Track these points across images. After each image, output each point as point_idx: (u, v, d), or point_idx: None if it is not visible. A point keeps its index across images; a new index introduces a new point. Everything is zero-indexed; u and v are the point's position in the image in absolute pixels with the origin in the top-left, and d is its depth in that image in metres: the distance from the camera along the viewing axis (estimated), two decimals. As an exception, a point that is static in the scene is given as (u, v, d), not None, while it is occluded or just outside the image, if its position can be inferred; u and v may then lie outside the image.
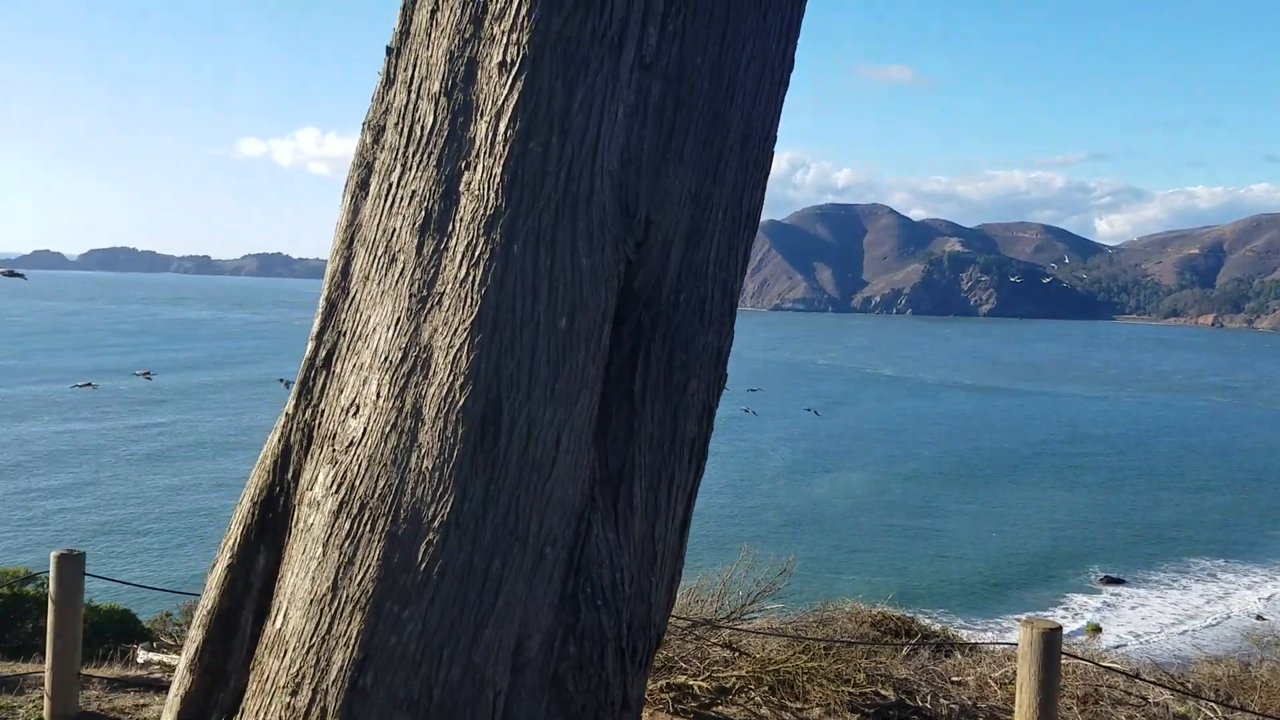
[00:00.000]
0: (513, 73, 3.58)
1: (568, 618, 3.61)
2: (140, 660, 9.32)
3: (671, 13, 3.65)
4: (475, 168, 3.66)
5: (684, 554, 4.08)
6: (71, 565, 6.98)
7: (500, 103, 3.60)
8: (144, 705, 7.65)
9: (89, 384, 56.60)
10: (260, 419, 72.00)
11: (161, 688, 8.28)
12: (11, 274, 21.25)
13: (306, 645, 3.52)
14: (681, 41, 3.68)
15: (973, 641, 13.39)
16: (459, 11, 3.70)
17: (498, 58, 3.60)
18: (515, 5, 3.58)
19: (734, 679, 6.87)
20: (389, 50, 3.93)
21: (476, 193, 3.64)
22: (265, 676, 3.61)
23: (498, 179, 3.60)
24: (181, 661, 3.86)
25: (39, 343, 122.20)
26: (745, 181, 3.95)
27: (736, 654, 7.36)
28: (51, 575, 6.98)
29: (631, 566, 3.76)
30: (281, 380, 42.46)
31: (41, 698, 7.30)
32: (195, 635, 3.85)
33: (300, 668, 3.51)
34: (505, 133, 3.59)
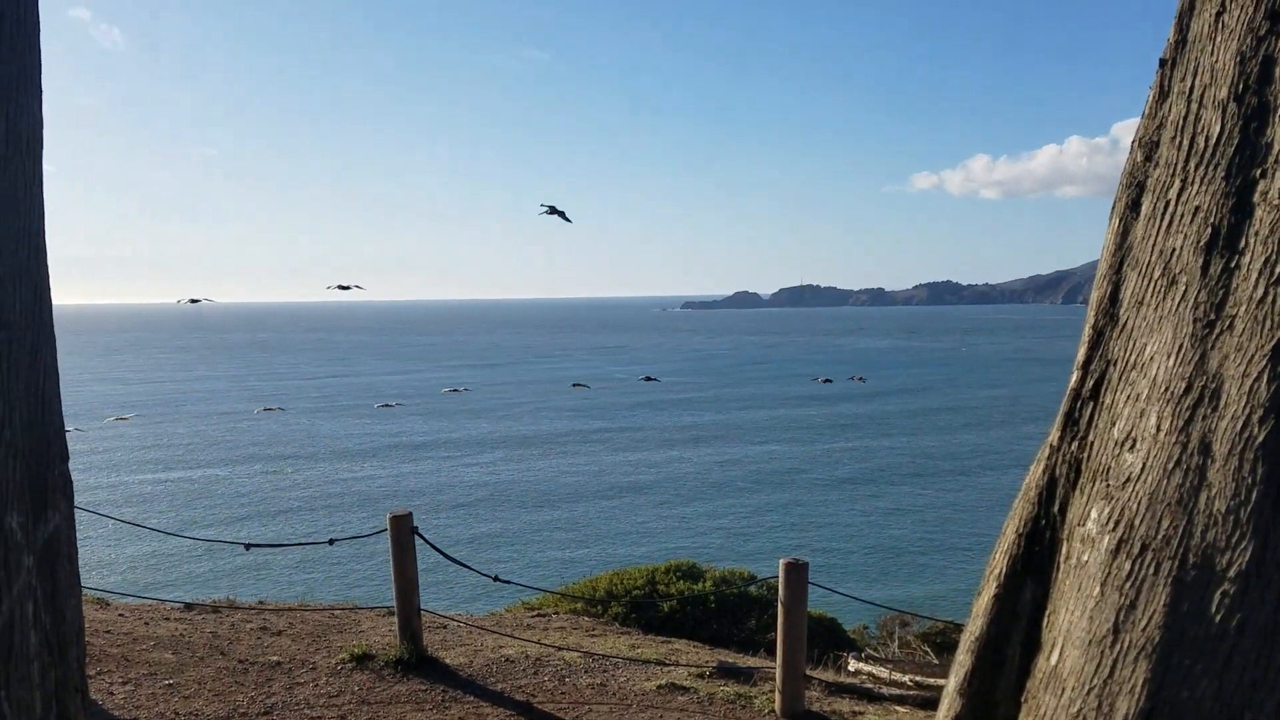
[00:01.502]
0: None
1: None
2: (850, 669, 9.99)
3: None
4: (1273, 175, 3.31)
5: None
6: (798, 573, 7.92)
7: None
8: (860, 714, 8.23)
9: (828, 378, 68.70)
10: (961, 444, 74.23)
11: (873, 698, 8.88)
12: (194, 301, 25.18)
13: (1086, 687, 3.50)
14: None
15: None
16: (1251, 9, 3.41)
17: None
18: None
19: None
20: (1162, 62, 3.78)
21: (1276, 202, 3.29)
22: (1042, 713, 3.67)
23: (1300, 186, 3.22)
24: (950, 684, 4.11)
25: (751, 372, 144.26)
26: None
27: None
28: (780, 581, 7.93)
29: None
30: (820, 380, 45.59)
31: (772, 691, 8.34)
32: (964, 660, 4.06)
33: (1081, 709, 3.50)
34: (1308, 133, 3.20)
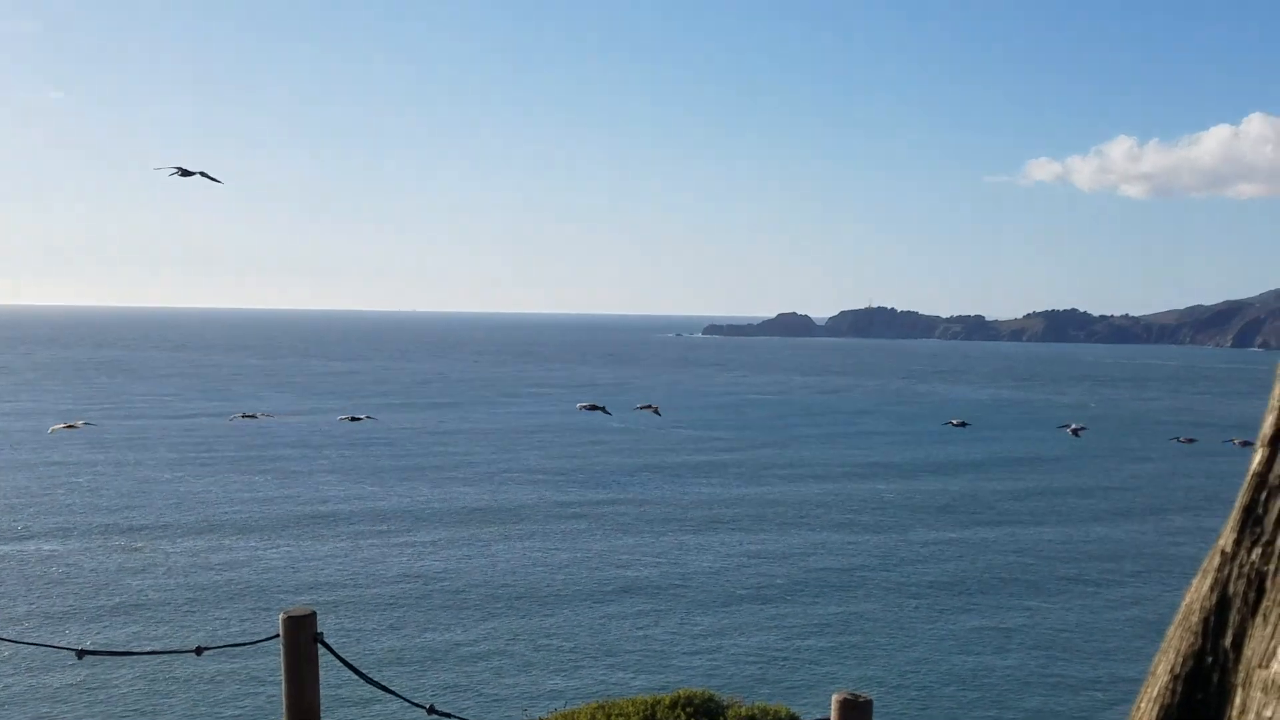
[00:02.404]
0: None
1: None
2: None
3: None
4: None
5: None
6: (858, 714, 7.99)
7: None
8: None
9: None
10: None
11: None
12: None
13: None
14: None
15: None
16: None
17: None
18: None
19: None
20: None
21: None
22: None
23: None
24: None
25: (799, 427, 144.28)
26: None
27: None
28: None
29: None
30: (1181, 440, 44.21)
31: None
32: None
33: None
34: None
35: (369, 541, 68.13)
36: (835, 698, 8.14)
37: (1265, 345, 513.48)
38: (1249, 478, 4.02)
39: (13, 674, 43.45)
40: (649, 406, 32.23)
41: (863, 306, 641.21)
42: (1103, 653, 50.66)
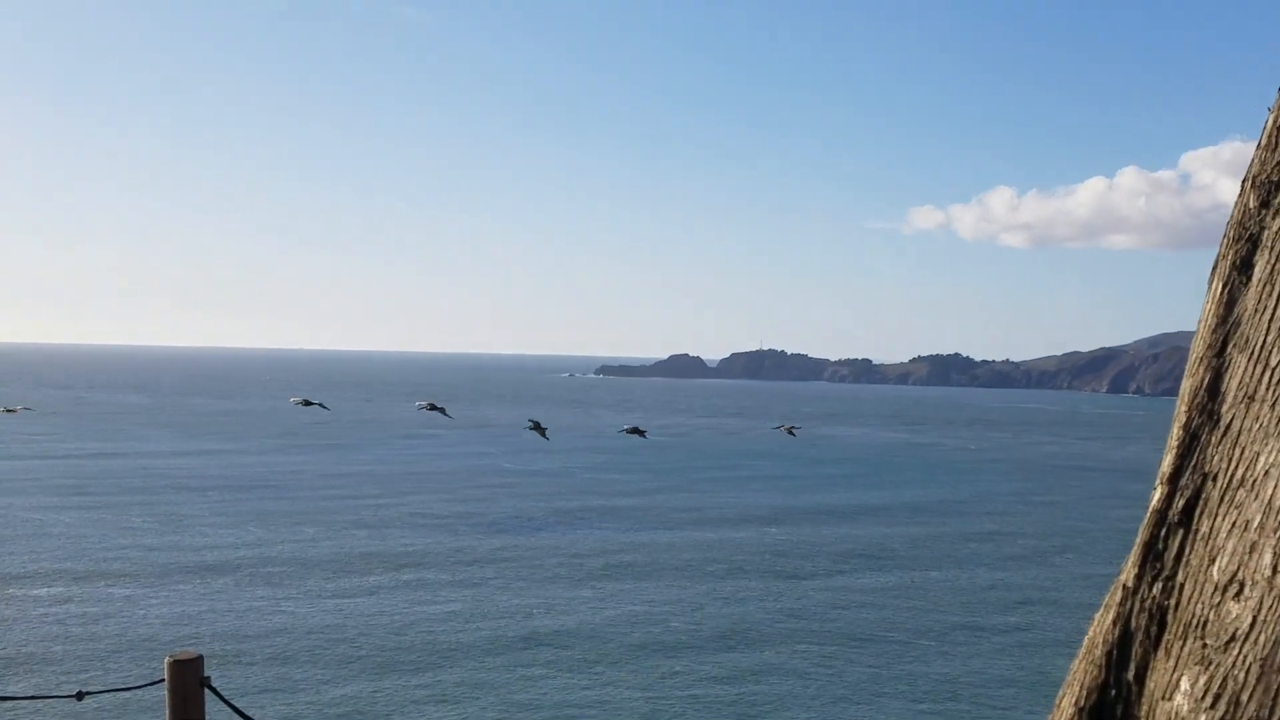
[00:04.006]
0: None
1: None
2: None
3: None
4: None
5: None
6: None
7: None
8: None
9: None
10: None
11: None
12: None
13: None
14: None
15: None
16: None
17: None
18: None
19: None
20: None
21: None
22: None
23: None
24: None
25: (700, 470, 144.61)
26: None
27: None
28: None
29: None
30: (785, 429, 45.74)
31: None
32: None
33: None
34: None
35: (256, 589, 66.43)
36: None
37: (1139, 391, 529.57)
38: (1149, 514, 4.11)
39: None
40: (635, 429, 32.43)
41: (753, 349, 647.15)
42: (1007, 696, 51.37)
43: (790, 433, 33.61)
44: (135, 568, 70.86)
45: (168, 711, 8.51)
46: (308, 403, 30.55)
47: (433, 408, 28.62)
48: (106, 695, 37.63)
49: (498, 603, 64.74)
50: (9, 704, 38.43)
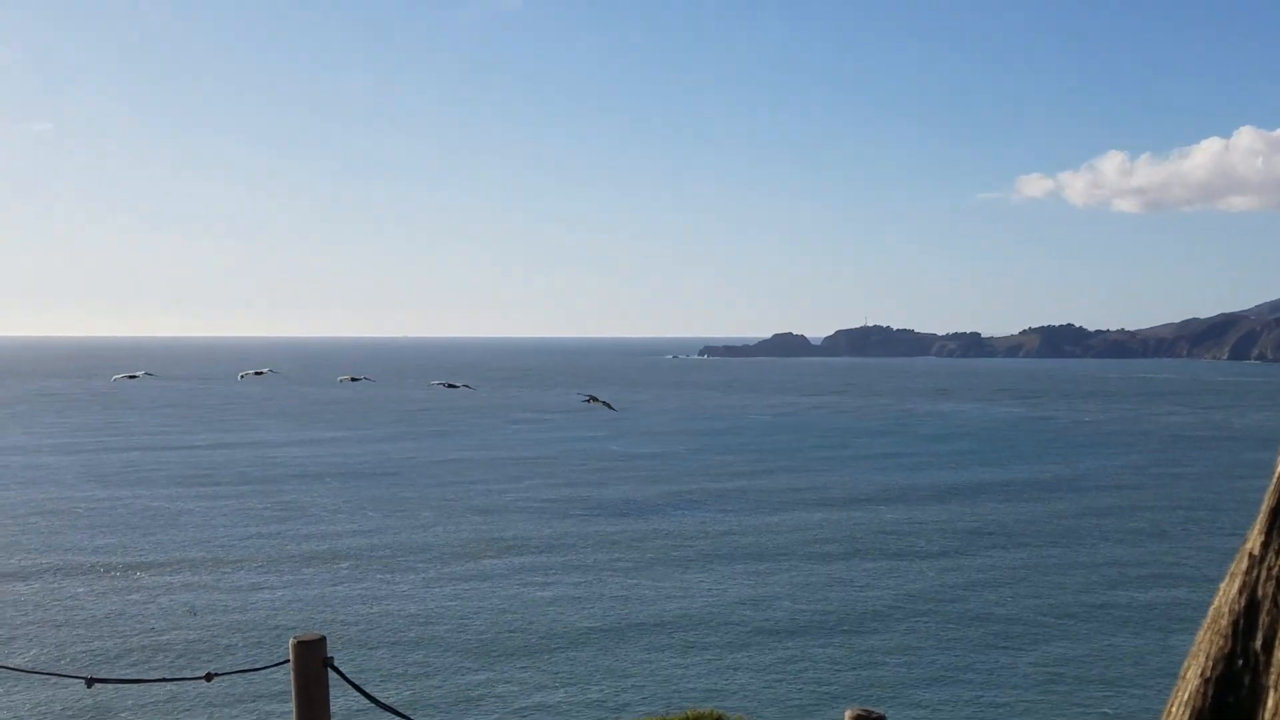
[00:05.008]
0: None
1: None
2: None
3: None
4: None
5: None
6: None
7: None
8: None
9: None
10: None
11: None
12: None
13: None
14: None
15: None
16: None
17: None
18: None
19: None
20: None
21: None
22: None
23: None
24: None
25: (805, 450, 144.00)
26: None
27: None
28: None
29: None
30: (589, 400, 44.71)
31: None
32: None
33: None
34: None
35: (375, 574, 67.87)
36: (848, 714, 8.11)
37: (1262, 357, 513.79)
38: (1275, 480, 3.99)
39: (22, 704, 43.24)
40: (596, 400, 32.69)
41: (858, 325, 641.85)
42: (1128, 660, 50.40)
43: (604, 404, 33.01)
44: (259, 554, 72.88)
45: (293, 691, 8.75)
46: (354, 379, 31.62)
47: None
48: (234, 675, 38.82)
49: (610, 586, 65.14)
50: (143, 685, 39.88)
